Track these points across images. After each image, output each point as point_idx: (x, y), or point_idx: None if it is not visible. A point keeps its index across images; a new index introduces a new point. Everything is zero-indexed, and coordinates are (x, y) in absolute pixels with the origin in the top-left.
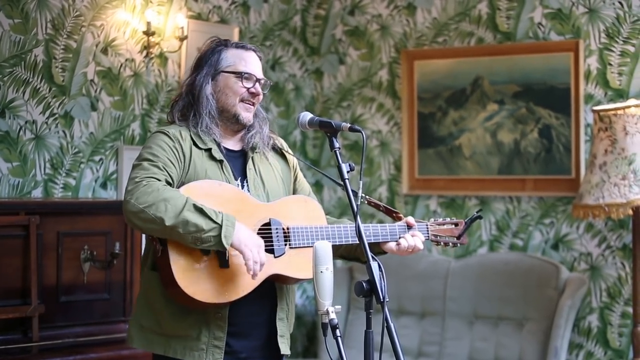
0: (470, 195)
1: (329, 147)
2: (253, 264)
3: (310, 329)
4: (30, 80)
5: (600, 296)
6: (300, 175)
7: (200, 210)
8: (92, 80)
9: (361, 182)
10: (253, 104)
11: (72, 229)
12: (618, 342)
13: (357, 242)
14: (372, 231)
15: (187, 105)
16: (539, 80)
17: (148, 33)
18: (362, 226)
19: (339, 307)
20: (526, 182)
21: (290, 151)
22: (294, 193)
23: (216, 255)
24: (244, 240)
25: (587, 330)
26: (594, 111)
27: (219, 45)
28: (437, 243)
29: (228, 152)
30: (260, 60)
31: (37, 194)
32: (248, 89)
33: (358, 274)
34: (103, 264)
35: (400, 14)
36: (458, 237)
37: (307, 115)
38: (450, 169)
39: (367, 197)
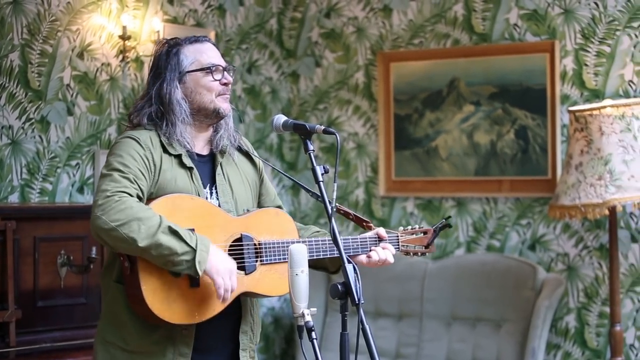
0: (447, 196)
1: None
2: (224, 292)
3: (288, 331)
4: (6, 85)
5: (577, 296)
6: (266, 178)
7: (174, 233)
8: (68, 85)
9: (335, 185)
10: (228, 94)
11: (49, 234)
12: (595, 342)
13: (328, 256)
14: (342, 243)
15: (157, 112)
16: (515, 81)
17: (124, 37)
18: (337, 230)
19: (315, 309)
20: (503, 183)
21: (255, 154)
22: (259, 197)
23: (187, 275)
24: (215, 265)
25: (565, 331)
26: (569, 112)
27: (173, 46)
28: (407, 253)
29: (197, 157)
30: (217, 47)
31: (14, 199)
32: (219, 80)
33: (334, 276)
34: (80, 269)
35: (376, 16)
36: (427, 246)
37: (281, 118)
38: (427, 170)
39: (337, 205)
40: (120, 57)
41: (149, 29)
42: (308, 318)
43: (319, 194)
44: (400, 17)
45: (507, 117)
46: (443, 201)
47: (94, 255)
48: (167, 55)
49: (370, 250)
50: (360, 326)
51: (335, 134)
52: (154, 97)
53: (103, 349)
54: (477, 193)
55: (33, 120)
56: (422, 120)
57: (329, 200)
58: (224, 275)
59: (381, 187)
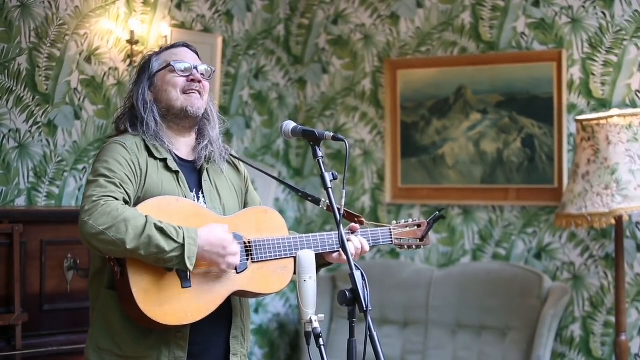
0: (453, 204)
1: (312, 156)
2: (227, 266)
3: (293, 337)
4: (14, 88)
5: (582, 305)
6: (251, 187)
7: (161, 230)
8: (75, 89)
9: (344, 191)
10: (197, 92)
11: (56, 238)
12: (601, 352)
13: (320, 251)
14: (311, 241)
15: (132, 117)
16: (522, 90)
17: (131, 42)
18: (345, 235)
19: (322, 316)
20: (509, 192)
21: (244, 160)
22: (245, 205)
23: (178, 275)
24: (207, 253)
25: (570, 340)
26: (576, 121)
27: (151, 56)
28: (401, 247)
29: (182, 162)
30: (196, 53)
31: (21, 202)
32: (186, 77)
33: (341, 282)
34: (86, 273)
35: (383, 23)
36: (421, 239)
37: (290, 124)
38: (433, 178)
39: (327, 202)
40: (128, 61)
41: (157, 33)
42: (316, 324)
43: (330, 199)
44: (407, 25)
45: (513, 126)
46: (449, 209)
47: None
48: (144, 63)
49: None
50: (368, 333)
51: (344, 141)
52: (128, 101)
53: (96, 356)
54: (483, 201)
55: (40, 124)
56: (429, 127)
57: (337, 207)
58: (218, 255)
59: (387, 194)
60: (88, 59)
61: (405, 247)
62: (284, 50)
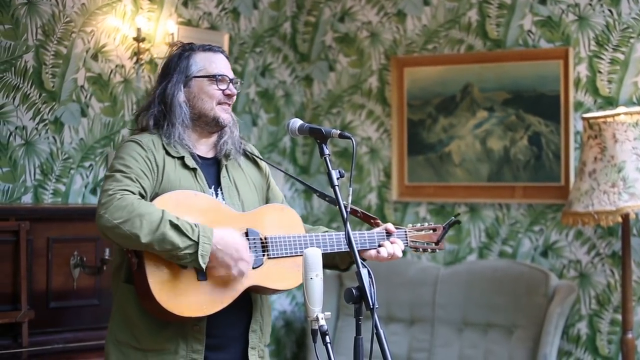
0: (459, 202)
1: (318, 153)
2: (238, 272)
3: (300, 335)
4: (21, 86)
5: (589, 303)
6: (272, 183)
7: (176, 227)
8: (82, 86)
9: (350, 189)
10: (229, 105)
11: (62, 235)
12: (607, 350)
13: (336, 250)
14: (319, 240)
15: (159, 114)
16: (529, 88)
17: (138, 39)
18: (351, 233)
19: (329, 313)
20: (515, 190)
21: (262, 157)
22: (267, 202)
23: (194, 268)
24: (221, 253)
25: (576, 338)
26: (583, 119)
27: (186, 50)
28: (416, 249)
29: (202, 160)
30: (228, 60)
31: (27, 199)
32: (223, 91)
33: (347, 280)
34: (93, 270)
35: (390, 21)
36: (436, 243)
37: (297, 122)
38: (440, 176)
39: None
40: (135, 59)
41: (164, 31)
42: (322, 322)
43: (334, 197)
44: (414, 22)
45: (520, 124)
46: (456, 207)
47: (107, 257)
48: (178, 58)
49: (379, 246)
50: (375, 331)
51: (351, 139)
52: (157, 97)
53: (115, 349)
54: (489, 199)
55: (47, 121)
56: (436, 125)
57: (344, 204)
58: (230, 260)
59: (394, 192)
60: (95, 57)
61: (420, 249)
62: (290, 48)
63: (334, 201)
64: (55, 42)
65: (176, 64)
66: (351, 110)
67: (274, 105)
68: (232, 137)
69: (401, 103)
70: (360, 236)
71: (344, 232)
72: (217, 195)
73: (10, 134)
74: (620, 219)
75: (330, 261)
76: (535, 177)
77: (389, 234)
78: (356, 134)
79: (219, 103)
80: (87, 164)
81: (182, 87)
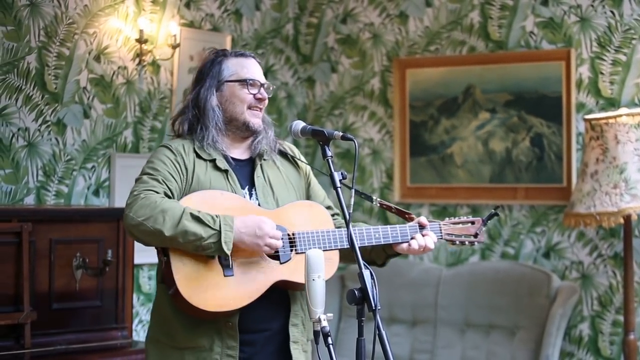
0: (462, 203)
1: (321, 155)
2: (270, 247)
3: None
4: (23, 87)
5: (591, 305)
6: (314, 181)
7: (197, 219)
8: (84, 88)
9: (353, 191)
10: (260, 109)
11: (65, 236)
12: (609, 351)
13: (366, 245)
14: (381, 233)
15: (193, 118)
16: (531, 89)
17: (141, 41)
18: (353, 234)
19: (331, 315)
20: (518, 191)
21: (302, 158)
22: (307, 200)
23: (220, 263)
24: (245, 236)
25: (579, 339)
26: (585, 120)
27: (219, 55)
28: (453, 242)
29: (236, 162)
30: (260, 65)
31: (30, 201)
32: (254, 95)
33: (350, 282)
34: (95, 271)
35: (392, 22)
36: (475, 235)
37: (299, 124)
38: (442, 177)
39: (379, 199)
40: (137, 60)
41: (166, 32)
42: (324, 323)
43: (339, 198)
44: (416, 24)
45: (522, 125)
46: (458, 208)
47: (109, 258)
48: (211, 63)
49: (411, 239)
50: (377, 332)
51: (353, 140)
52: (191, 102)
53: (154, 348)
54: (492, 200)
55: (49, 123)
56: (438, 127)
57: (346, 205)
58: (255, 236)
59: (396, 193)
60: (97, 58)
61: (457, 242)
62: (292, 49)
63: (370, 198)
64: (57, 43)
65: (209, 69)
66: (353, 112)
67: (276, 106)
68: (267, 137)
69: (403, 104)
70: (392, 230)
71: (372, 227)
72: (250, 195)
73: (13, 135)
74: (622, 220)
75: (367, 257)
76: (537, 178)
77: (422, 227)
78: (358, 135)
79: (250, 107)
80: (89, 165)
81: (214, 92)
